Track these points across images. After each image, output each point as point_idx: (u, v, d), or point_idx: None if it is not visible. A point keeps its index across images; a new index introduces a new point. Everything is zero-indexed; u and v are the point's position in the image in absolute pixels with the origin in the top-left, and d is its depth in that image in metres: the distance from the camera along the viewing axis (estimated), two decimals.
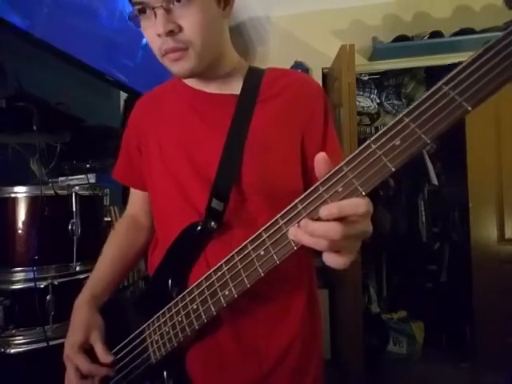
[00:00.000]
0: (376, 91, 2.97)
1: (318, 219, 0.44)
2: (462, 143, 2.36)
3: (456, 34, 2.29)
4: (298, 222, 0.46)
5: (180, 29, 0.61)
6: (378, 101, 3.01)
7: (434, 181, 2.84)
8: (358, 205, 0.43)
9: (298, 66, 2.50)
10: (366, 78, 2.95)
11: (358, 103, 2.78)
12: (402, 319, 2.77)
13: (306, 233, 0.45)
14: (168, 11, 0.59)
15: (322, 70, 2.58)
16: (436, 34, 2.30)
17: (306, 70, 2.52)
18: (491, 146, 2.35)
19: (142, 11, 0.62)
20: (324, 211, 0.43)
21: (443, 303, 2.77)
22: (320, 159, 0.45)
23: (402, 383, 2.36)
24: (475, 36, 2.24)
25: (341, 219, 0.43)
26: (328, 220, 0.43)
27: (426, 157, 2.79)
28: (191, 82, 0.74)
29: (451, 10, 2.44)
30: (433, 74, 2.91)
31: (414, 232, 2.87)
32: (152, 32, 0.62)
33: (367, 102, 2.96)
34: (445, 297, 2.79)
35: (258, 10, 2.52)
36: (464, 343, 2.56)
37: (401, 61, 2.50)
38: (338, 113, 2.20)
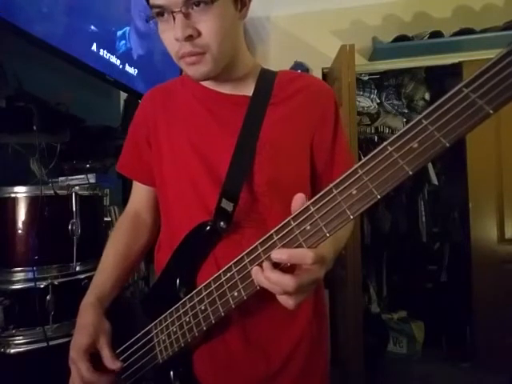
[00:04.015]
0: (376, 91, 2.96)
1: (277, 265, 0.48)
2: (462, 143, 2.36)
3: (456, 33, 2.28)
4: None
5: (198, 34, 0.60)
6: (378, 101, 3.01)
7: (434, 181, 2.84)
8: (306, 256, 0.46)
9: (298, 66, 2.49)
10: (366, 78, 2.95)
11: (358, 103, 2.77)
12: (402, 319, 2.77)
13: (263, 276, 0.49)
14: (187, 16, 0.59)
15: (322, 69, 2.57)
16: (436, 34, 2.29)
17: (306, 70, 2.52)
18: (491, 146, 2.35)
19: (161, 14, 0.61)
20: (274, 254, 0.47)
21: (443, 303, 2.76)
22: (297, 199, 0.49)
23: (401, 383, 2.36)
24: (475, 36, 2.23)
25: (294, 266, 0.48)
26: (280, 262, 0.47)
27: None
28: (204, 82, 0.73)
29: (451, 10, 2.43)
30: (433, 74, 2.91)
31: (414, 232, 2.86)
32: (170, 35, 0.62)
33: (367, 102, 2.96)
34: (445, 297, 2.79)
35: (258, 10, 2.51)
36: (464, 343, 2.55)
37: (401, 61, 2.50)
38: None
